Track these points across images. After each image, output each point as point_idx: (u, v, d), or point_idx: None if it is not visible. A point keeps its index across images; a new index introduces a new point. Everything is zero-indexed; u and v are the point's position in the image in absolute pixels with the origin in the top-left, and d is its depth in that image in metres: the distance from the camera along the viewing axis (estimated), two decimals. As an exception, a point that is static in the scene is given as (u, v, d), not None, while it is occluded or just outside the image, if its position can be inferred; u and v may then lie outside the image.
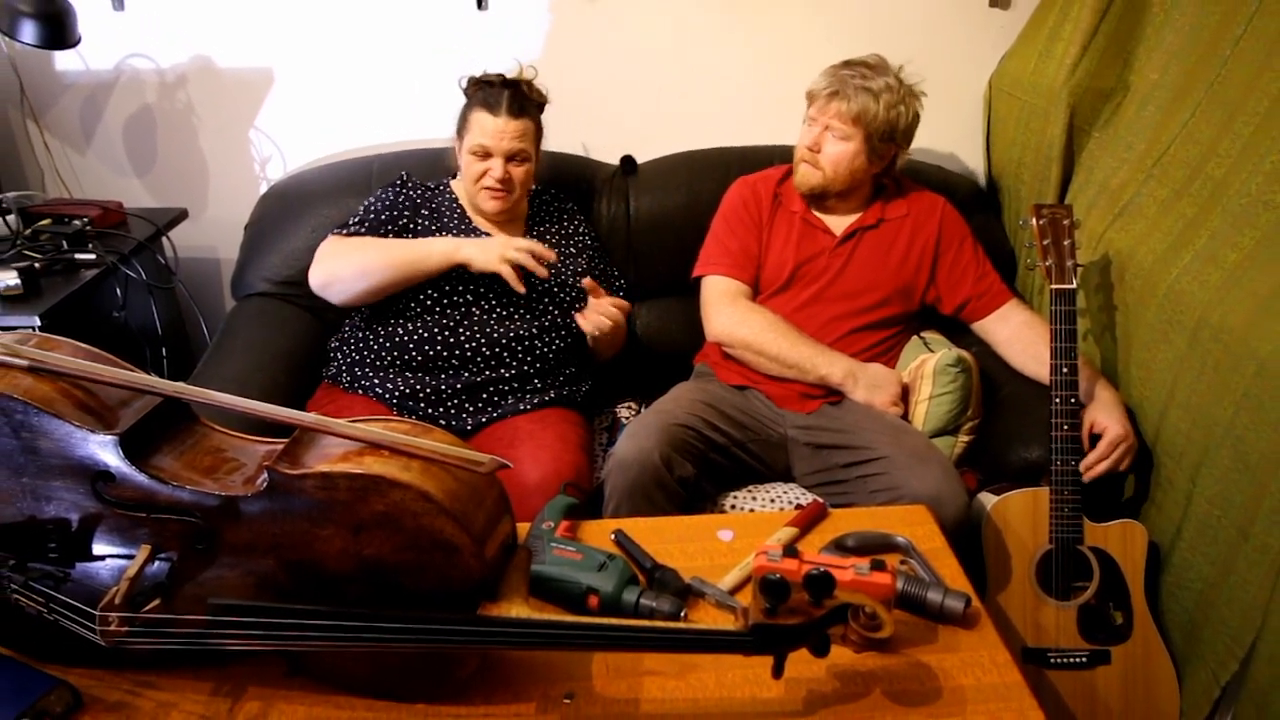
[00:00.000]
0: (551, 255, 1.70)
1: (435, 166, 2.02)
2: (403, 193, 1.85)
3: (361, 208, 1.84)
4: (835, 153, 1.78)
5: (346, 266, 1.74)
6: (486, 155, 1.76)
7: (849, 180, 1.80)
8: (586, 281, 1.77)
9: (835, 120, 1.76)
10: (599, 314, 1.73)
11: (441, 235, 1.81)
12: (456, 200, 1.89)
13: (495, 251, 1.66)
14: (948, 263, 1.85)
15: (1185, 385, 1.51)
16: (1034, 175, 2.00)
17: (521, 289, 1.66)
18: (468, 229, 1.84)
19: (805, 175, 1.82)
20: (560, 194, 2.02)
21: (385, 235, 1.78)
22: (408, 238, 1.79)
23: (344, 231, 1.79)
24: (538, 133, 1.84)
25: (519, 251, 1.65)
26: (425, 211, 1.84)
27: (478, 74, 1.84)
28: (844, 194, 1.84)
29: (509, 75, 1.82)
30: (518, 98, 1.78)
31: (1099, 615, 1.54)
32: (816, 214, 1.87)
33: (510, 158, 1.77)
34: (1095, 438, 1.57)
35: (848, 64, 1.78)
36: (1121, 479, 1.65)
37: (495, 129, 1.75)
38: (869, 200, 1.88)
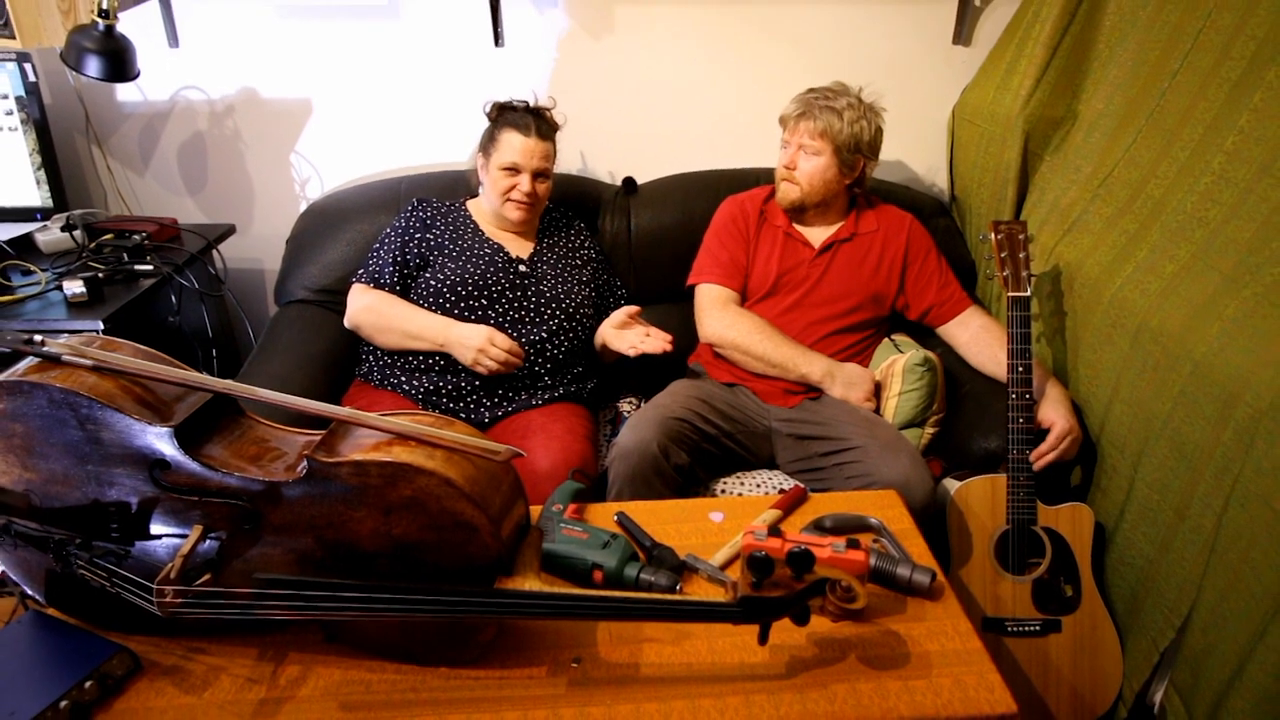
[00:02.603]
0: (520, 359, 1.71)
1: (456, 186, 2.02)
2: (414, 216, 1.86)
3: (378, 242, 1.87)
4: (809, 168, 1.78)
5: (365, 324, 1.79)
6: (516, 171, 1.78)
7: (824, 191, 1.81)
8: (630, 310, 1.74)
9: (806, 138, 1.77)
10: (640, 344, 1.67)
11: (455, 245, 1.82)
12: (470, 216, 1.89)
13: (470, 357, 1.68)
14: (914, 273, 1.86)
15: (1128, 383, 1.50)
16: (992, 195, 2.00)
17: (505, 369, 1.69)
18: (480, 241, 1.84)
19: (785, 191, 1.83)
20: (569, 211, 2.02)
21: (403, 269, 1.80)
22: (425, 254, 1.81)
23: (365, 277, 1.83)
24: (555, 155, 1.86)
25: (491, 359, 1.67)
26: (439, 226, 1.85)
27: (502, 100, 1.85)
28: (821, 207, 1.84)
29: (532, 104, 1.84)
30: (544, 123, 1.82)
31: (1051, 588, 1.54)
32: (797, 228, 1.87)
33: (536, 175, 1.79)
34: (1044, 432, 1.57)
35: (812, 90, 1.81)
36: (1070, 467, 1.65)
37: (527, 148, 1.77)
38: (844, 214, 1.88)
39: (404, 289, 1.81)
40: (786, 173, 1.82)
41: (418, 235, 1.83)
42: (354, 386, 1.84)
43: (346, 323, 1.83)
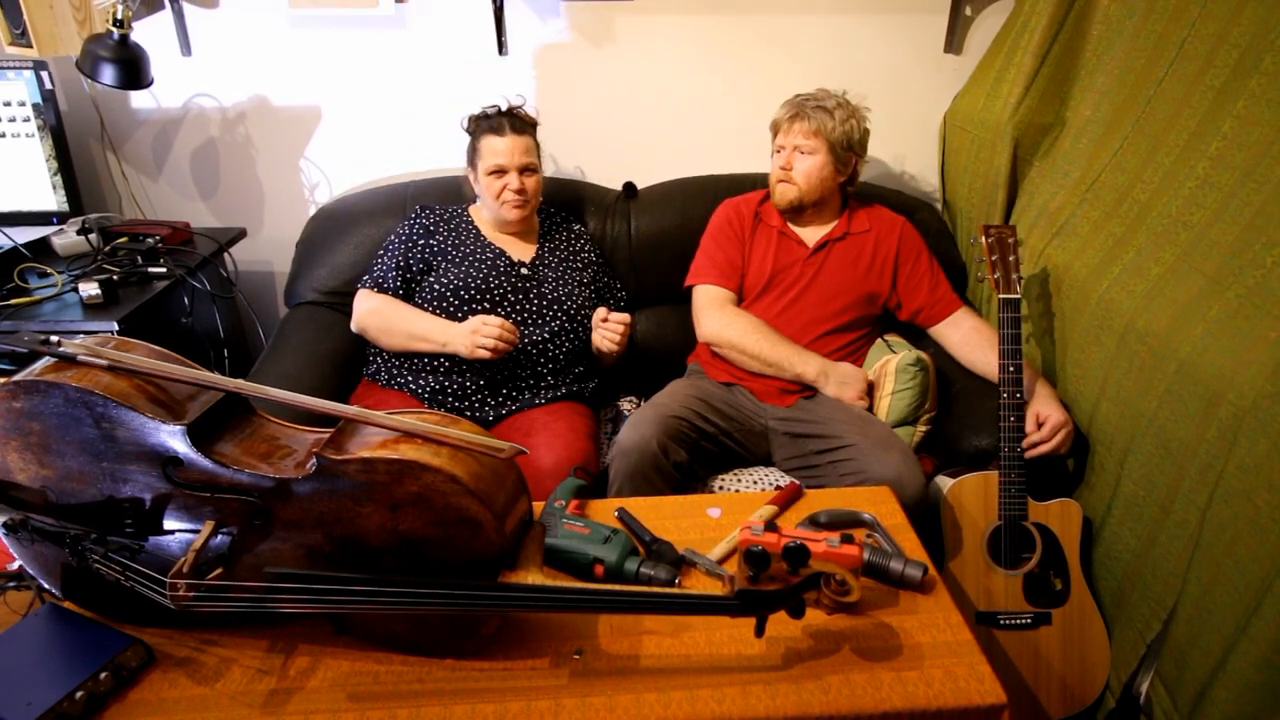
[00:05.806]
0: (513, 334, 1.69)
1: (460, 191, 2.02)
2: (416, 223, 1.87)
3: (382, 248, 1.88)
4: (805, 167, 1.79)
5: (370, 327, 1.80)
6: (502, 172, 1.79)
7: (820, 189, 1.81)
8: (599, 312, 1.81)
9: (800, 138, 1.78)
10: (606, 332, 1.78)
11: (458, 250, 1.83)
12: (472, 222, 1.90)
13: (466, 346, 1.67)
14: (906, 274, 1.86)
15: (1114, 382, 1.50)
16: (983, 199, 1.99)
17: (501, 353, 1.68)
18: (483, 245, 1.85)
19: (783, 192, 1.83)
20: (569, 216, 2.02)
21: (405, 273, 1.82)
22: (428, 259, 1.82)
23: (370, 283, 1.83)
24: (538, 149, 1.86)
25: (484, 337, 1.66)
26: (442, 232, 1.86)
27: (475, 113, 1.87)
28: (818, 205, 1.84)
29: (502, 106, 1.85)
30: (516, 120, 1.83)
31: (1042, 582, 1.54)
32: (792, 228, 1.87)
33: (522, 170, 1.80)
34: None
35: (798, 95, 1.83)
36: (1061, 463, 1.65)
37: (506, 147, 1.78)
38: (838, 214, 1.89)
39: (408, 294, 1.81)
40: (783, 174, 1.82)
41: (420, 241, 1.83)
42: (362, 385, 1.85)
43: (353, 326, 1.84)
